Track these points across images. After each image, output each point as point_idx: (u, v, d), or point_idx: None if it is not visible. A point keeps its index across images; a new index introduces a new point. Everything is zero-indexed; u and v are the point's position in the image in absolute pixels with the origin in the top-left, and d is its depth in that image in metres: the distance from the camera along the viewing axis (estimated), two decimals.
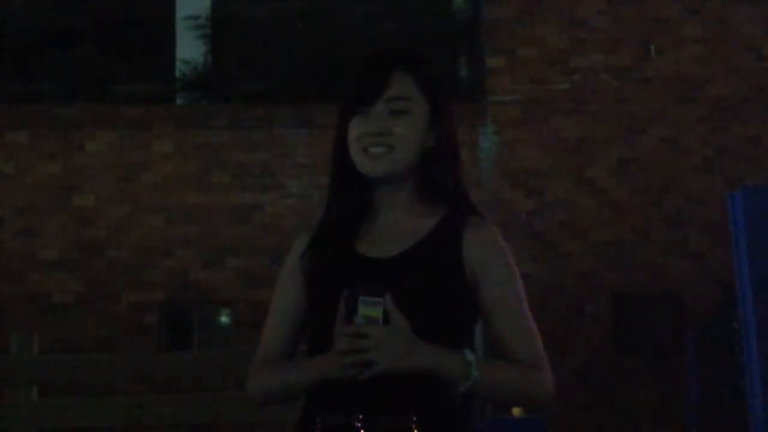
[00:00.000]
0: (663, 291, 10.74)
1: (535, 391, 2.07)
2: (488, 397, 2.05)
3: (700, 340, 9.77)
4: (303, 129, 10.60)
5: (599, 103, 11.09)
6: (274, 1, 11.73)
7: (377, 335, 1.92)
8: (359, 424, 1.86)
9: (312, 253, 2.16)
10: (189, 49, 11.36)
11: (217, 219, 10.55)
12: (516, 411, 8.02)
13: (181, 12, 11.57)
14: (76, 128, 10.63)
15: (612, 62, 11.21)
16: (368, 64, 2.19)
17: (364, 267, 2.07)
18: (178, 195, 10.58)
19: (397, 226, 2.14)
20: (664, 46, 11.24)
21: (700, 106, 11.12)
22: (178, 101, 11.41)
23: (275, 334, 2.22)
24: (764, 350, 5.60)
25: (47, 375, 4.49)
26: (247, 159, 10.70)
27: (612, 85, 11.16)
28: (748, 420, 5.99)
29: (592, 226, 10.82)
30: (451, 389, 1.98)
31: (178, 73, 11.31)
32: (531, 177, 10.89)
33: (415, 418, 1.87)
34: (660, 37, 11.26)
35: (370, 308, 1.92)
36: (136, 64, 11.35)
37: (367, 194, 2.17)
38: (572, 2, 11.32)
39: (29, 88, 11.06)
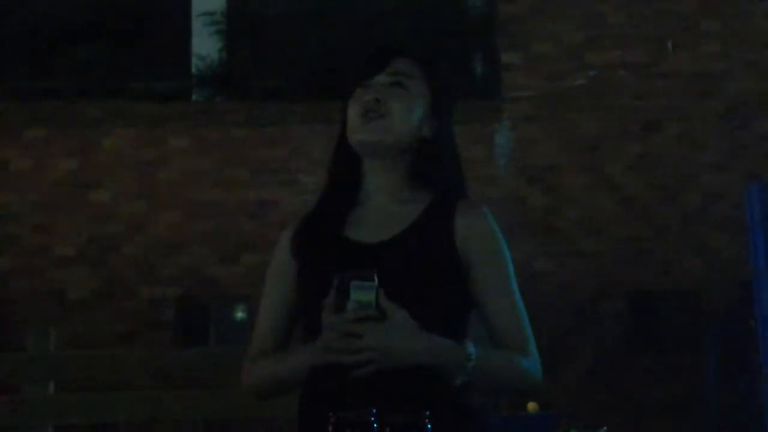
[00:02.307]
0: (680, 288, 10.70)
1: (525, 377, 2.07)
2: (480, 384, 2.03)
3: (717, 338, 9.73)
4: (319, 125, 10.60)
5: (615, 99, 11.05)
6: None
7: (373, 335, 1.90)
8: (372, 419, 1.86)
9: (300, 240, 2.16)
10: (205, 46, 11.39)
11: (234, 215, 10.57)
12: (531, 407, 8.00)
13: (197, 8, 11.59)
14: (93, 125, 10.67)
15: (629, 58, 11.16)
16: (375, 47, 2.22)
17: (353, 252, 2.06)
18: (194, 191, 10.60)
19: (386, 212, 2.13)
20: (682, 42, 11.19)
21: (717, 102, 11.06)
22: (195, 98, 11.44)
23: (267, 327, 2.22)
24: None
25: (64, 370, 4.51)
26: (264, 155, 10.72)
27: (628, 81, 11.12)
28: (765, 418, 5.96)
29: (609, 223, 10.79)
30: (448, 380, 1.97)
31: (194, 70, 11.34)
32: (547, 173, 10.86)
33: (428, 413, 1.86)
34: (677, 32, 11.21)
35: (362, 293, 1.89)
36: (152, 60, 11.38)
37: (359, 181, 2.17)
38: None
39: (46, 85, 11.11)
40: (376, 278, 1.91)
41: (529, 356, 2.08)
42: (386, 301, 1.91)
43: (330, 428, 1.88)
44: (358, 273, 1.92)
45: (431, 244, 2.06)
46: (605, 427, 1.79)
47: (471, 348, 1.97)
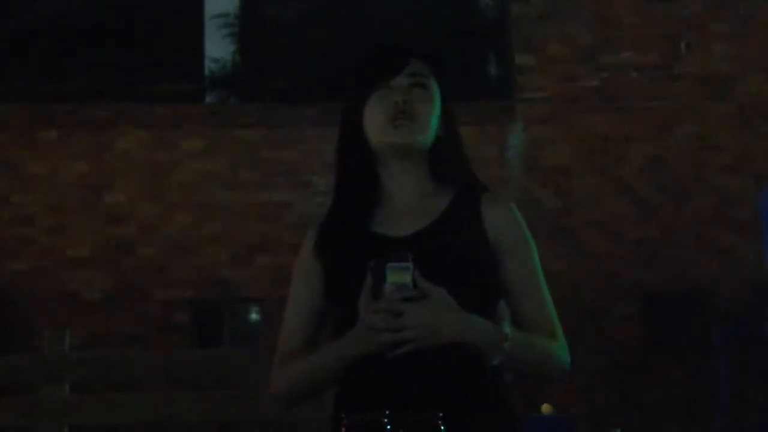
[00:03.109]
0: (692, 290, 10.67)
1: (555, 361, 2.10)
2: (513, 366, 2.05)
3: (729, 340, 9.71)
4: (331, 127, 10.56)
5: (628, 101, 11.03)
6: (301, 1, 11.77)
7: (413, 313, 1.91)
8: (385, 420, 1.86)
9: (327, 239, 2.16)
10: (218, 48, 11.45)
11: (246, 217, 10.59)
12: (545, 408, 8.00)
13: (210, 11, 11.63)
14: (106, 127, 10.70)
15: (641, 59, 11.15)
16: (387, 47, 2.24)
17: (385, 246, 2.04)
18: (207, 193, 10.63)
19: (412, 206, 2.14)
20: (694, 43, 11.16)
21: (729, 103, 11.04)
22: (207, 100, 11.48)
23: (296, 329, 2.20)
24: None
25: (79, 372, 4.53)
26: (276, 157, 10.74)
27: (641, 83, 11.10)
28: None
29: (621, 225, 10.77)
30: (485, 362, 1.98)
31: (207, 72, 11.39)
32: (560, 175, 10.85)
33: (441, 414, 1.87)
34: (689, 34, 11.18)
35: (398, 274, 1.90)
36: (165, 63, 11.43)
37: (376, 177, 2.19)
38: None
39: (59, 88, 11.16)
40: (410, 259, 1.91)
41: (558, 341, 2.12)
42: (423, 281, 1.93)
43: (343, 429, 1.89)
44: (394, 255, 1.92)
45: (463, 234, 2.09)
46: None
47: (508, 328, 2.01)
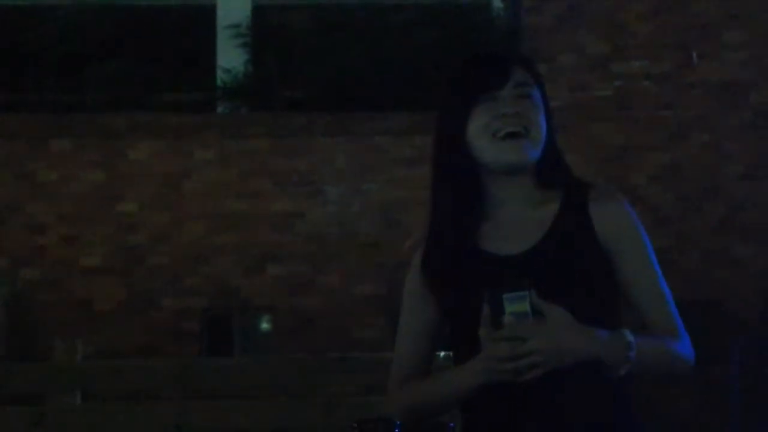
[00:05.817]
0: (706, 299, 10.62)
1: (678, 361, 2.11)
2: (637, 372, 2.03)
3: (743, 350, 9.66)
4: (343, 137, 10.63)
5: (640, 110, 11.00)
6: (314, 10, 11.79)
7: (536, 338, 1.87)
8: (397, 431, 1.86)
9: (435, 260, 2.11)
10: (230, 58, 11.43)
11: (258, 226, 10.60)
12: None
13: (221, 21, 11.65)
14: (118, 136, 10.73)
15: (653, 68, 11.12)
16: (486, 56, 2.18)
17: (500, 266, 2.02)
18: (219, 202, 10.64)
19: (522, 219, 2.10)
20: (707, 52, 11.13)
21: (743, 112, 11.00)
22: (219, 109, 11.49)
23: (410, 353, 2.18)
24: None
25: (91, 381, 4.54)
26: (288, 167, 10.74)
27: (653, 92, 11.07)
28: None
29: None
30: (612, 374, 1.96)
31: (219, 82, 11.39)
32: None
33: (452, 424, 1.86)
34: (702, 42, 11.15)
35: (516, 304, 1.87)
36: (177, 72, 11.45)
37: (481, 188, 2.13)
38: (613, 8, 11.25)
39: (72, 97, 11.19)
40: (528, 285, 1.88)
41: (680, 339, 2.12)
42: (540, 303, 1.89)
43: None
44: (510, 283, 1.89)
45: (574, 244, 2.05)
46: None
47: (630, 336, 1.97)
